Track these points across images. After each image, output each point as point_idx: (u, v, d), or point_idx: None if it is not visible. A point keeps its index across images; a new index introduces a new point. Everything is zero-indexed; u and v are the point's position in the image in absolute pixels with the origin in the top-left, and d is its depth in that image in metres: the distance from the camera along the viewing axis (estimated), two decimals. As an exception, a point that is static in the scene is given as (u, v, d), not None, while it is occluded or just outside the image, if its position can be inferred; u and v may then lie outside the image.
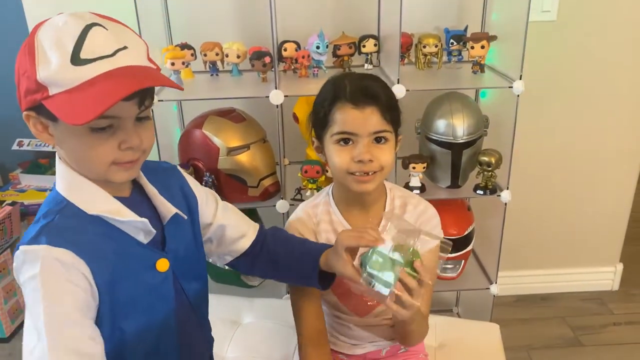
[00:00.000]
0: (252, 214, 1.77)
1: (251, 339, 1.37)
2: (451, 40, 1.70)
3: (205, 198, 1.03)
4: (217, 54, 1.64)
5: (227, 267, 1.12)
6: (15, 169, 2.46)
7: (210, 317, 1.05)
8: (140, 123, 0.83)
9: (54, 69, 0.75)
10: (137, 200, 0.89)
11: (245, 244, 1.06)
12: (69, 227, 0.81)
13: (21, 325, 2.10)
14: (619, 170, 2.10)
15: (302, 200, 1.65)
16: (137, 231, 0.86)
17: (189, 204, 0.98)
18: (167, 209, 0.91)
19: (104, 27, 0.78)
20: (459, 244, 1.76)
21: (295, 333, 1.36)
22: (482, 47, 1.62)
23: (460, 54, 1.74)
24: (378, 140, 1.03)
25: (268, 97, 1.49)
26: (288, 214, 1.64)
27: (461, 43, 1.70)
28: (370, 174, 1.04)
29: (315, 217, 1.15)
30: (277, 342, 1.34)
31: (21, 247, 0.79)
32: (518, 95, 1.56)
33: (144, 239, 0.87)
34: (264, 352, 1.31)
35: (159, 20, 1.72)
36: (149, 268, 0.88)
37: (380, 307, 1.11)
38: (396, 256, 0.88)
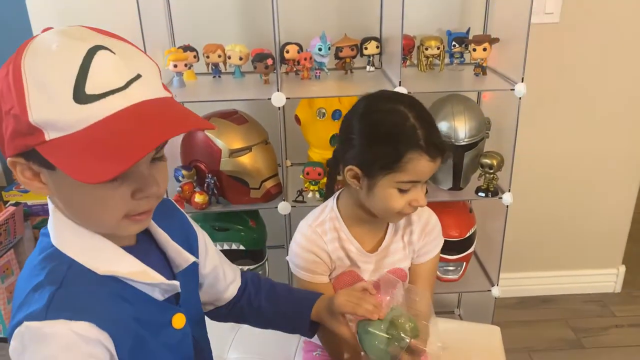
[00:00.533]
0: (254, 215, 1.77)
1: (252, 341, 1.37)
2: (453, 43, 1.71)
3: (203, 236, 0.92)
4: (219, 56, 1.64)
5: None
6: (18, 169, 2.47)
7: (211, 320, 1.02)
8: (154, 164, 0.69)
9: (52, 108, 0.60)
10: (144, 248, 0.77)
11: (233, 291, 0.98)
12: (81, 292, 0.68)
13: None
14: (621, 172, 2.10)
15: (304, 202, 1.65)
16: (153, 289, 0.75)
17: (190, 243, 0.87)
18: (184, 258, 0.81)
19: (111, 51, 0.63)
20: (461, 246, 1.77)
21: (295, 335, 1.37)
22: (484, 49, 1.62)
23: (462, 56, 1.74)
24: (425, 183, 1.05)
25: (270, 99, 1.50)
26: (290, 216, 1.64)
27: (463, 45, 1.70)
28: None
29: (325, 235, 1.11)
30: (278, 345, 1.34)
31: (26, 323, 0.64)
32: (520, 98, 1.56)
33: (160, 295, 0.76)
34: (265, 355, 1.31)
35: (161, 22, 1.72)
36: (164, 326, 0.77)
37: None
38: (392, 332, 0.87)
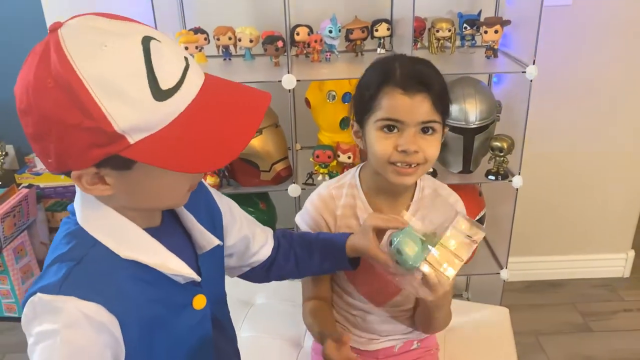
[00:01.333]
0: (264, 198, 1.79)
1: (264, 319, 1.40)
2: (464, 25, 1.69)
3: (229, 210, 0.92)
4: (230, 39, 1.64)
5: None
6: (30, 152, 2.49)
7: (251, 282, 1.03)
8: None
9: (136, 113, 0.59)
10: (169, 229, 0.78)
11: (266, 252, 0.98)
12: (99, 272, 0.68)
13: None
14: (632, 156, 2.08)
15: (313, 184, 1.66)
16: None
17: (214, 221, 0.87)
18: (208, 240, 0.81)
19: (156, 39, 0.62)
20: (470, 229, 1.77)
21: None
22: (496, 31, 1.61)
23: (473, 39, 1.73)
24: (425, 130, 0.96)
25: (280, 81, 1.50)
26: (300, 198, 1.65)
27: (474, 27, 1.69)
28: (412, 166, 0.97)
29: (339, 199, 1.09)
30: (289, 323, 1.36)
31: (39, 294, 0.65)
32: (531, 81, 1.55)
33: (181, 279, 0.76)
34: (276, 332, 1.33)
35: (172, 4, 1.72)
36: (185, 307, 0.78)
37: (398, 297, 1.10)
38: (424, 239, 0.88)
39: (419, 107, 0.94)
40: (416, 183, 1.09)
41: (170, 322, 0.75)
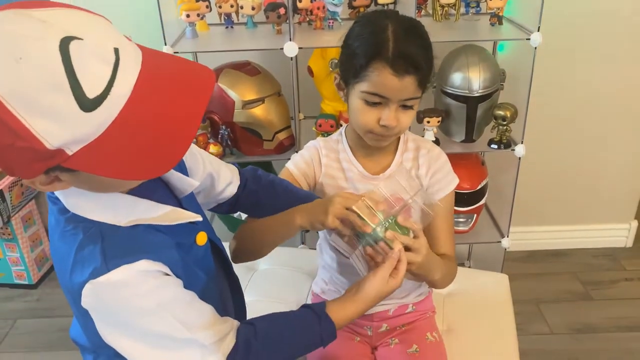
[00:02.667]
0: (267, 167, 1.80)
1: (267, 284, 1.43)
2: (469, -9, 1.67)
3: (189, 151, 0.92)
4: (231, 6, 1.63)
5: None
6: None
7: (215, 213, 1.06)
8: None
9: (65, 129, 0.56)
10: (150, 186, 0.77)
11: (232, 190, 1.02)
12: (123, 238, 0.72)
13: (47, 273, 2.20)
14: (636, 126, 2.07)
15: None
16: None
17: (179, 165, 0.88)
18: (188, 183, 0.84)
19: (77, 38, 0.57)
20: (472, 198, 1.78)
21: (307, 279, 1.40)
22: (501, -2, 1.59)
23: (478, 6, 1.70)
24: (406, 106, 1.00)
25: (282, 49, 1.49)
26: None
27: (479, -6, 1.67)
28: (388, 135, 1.04)
29: (326, 149, 1.15)
30: (291, 287, 1.39)
31: (92, 282, 0.68)
32: (535, 48, 1.53)
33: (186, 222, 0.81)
34: (278, 296, 1.36)
35: (173, -29, 1.71)
36: (191, 245, 0.83)
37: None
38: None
39: (406, 87, 0.97)
40: (400, 137, 1.13)
41: (187, 261, 0.80)
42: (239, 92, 1.61)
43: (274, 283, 1.41)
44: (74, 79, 0.55)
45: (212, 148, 1.63)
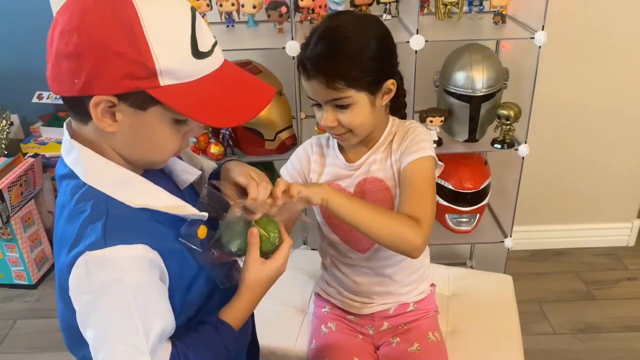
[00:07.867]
0: (268, 167, 1.78)
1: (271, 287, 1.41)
2: (472, -10, 1.66)
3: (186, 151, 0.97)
4: (233, 5, 1.61)
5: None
6: (36, 121, 2.49)
7: None
8: None
9: (176, 59, 0.69)
10: (155, 174, 0.83)
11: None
12: (128, 219, 0.74)
13: (47, 273, 2.19)
14: (638, 125, 2.06)
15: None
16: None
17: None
18: (190, 172, 0.88)
19: (198, 13, 0.74)
20: (475, 198, 1.77)
21: (309, 280, 1.40)
22: (505, -4, 1.58)
23: (481, 4, 1.69)
24: (341, 106, 1.02)
25: (284, 48, 1.48)
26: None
27: (483, -8, 1.65)
28: (341, 134, 1.06)
29: (317, 146, 1.19)
30: (295, 289, 1.38)
31: (88, 253, 0.70)
32: (540, 47, 1.52)
33: (190, 216, 0.82)
34: (281, 298, 1.35)
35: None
36: (193, 238, 0.83)
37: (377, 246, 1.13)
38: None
39: (318, 89, 1.01)
40: (387, 126, 1.13)
41: (185, 254, 0.81)
42: (240, 91, 1.60)
43: (277, 285, 1.39)
44: (194, 32, 0.70)
45: (214, 148, 1.62)
